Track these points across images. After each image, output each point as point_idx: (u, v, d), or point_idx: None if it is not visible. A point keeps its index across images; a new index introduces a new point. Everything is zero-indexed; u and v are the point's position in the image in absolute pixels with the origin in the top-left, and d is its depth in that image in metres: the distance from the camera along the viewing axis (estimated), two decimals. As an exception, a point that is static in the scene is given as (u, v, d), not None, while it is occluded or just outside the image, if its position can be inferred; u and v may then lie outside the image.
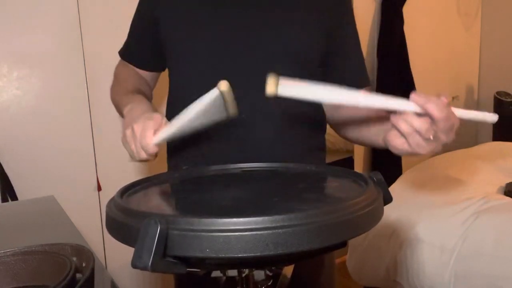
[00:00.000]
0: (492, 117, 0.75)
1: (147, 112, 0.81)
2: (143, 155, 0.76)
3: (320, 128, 1.02)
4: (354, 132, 0.96)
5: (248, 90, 0.91)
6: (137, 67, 1.07)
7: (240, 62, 0.91)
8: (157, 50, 1.01)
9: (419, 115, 0.67)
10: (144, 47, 1.05)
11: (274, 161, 0.77)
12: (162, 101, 1.27)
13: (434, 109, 0.65)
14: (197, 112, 0.69)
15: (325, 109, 1.02)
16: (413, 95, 0.66)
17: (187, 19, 0.93)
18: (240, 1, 0.92)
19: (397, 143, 0.72)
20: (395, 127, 0.69)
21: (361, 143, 0.98)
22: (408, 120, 0.67)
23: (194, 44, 0.93)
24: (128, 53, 1.08)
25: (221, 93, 0.67)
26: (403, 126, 0.67)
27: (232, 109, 0.68)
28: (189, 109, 0.71)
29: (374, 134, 0.85)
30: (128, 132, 0.77)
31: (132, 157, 0.79)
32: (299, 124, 0.96)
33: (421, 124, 0.66)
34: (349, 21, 1.00)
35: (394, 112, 0.69)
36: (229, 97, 0.67)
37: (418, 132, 0.67)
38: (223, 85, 0.66)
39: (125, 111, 0.87)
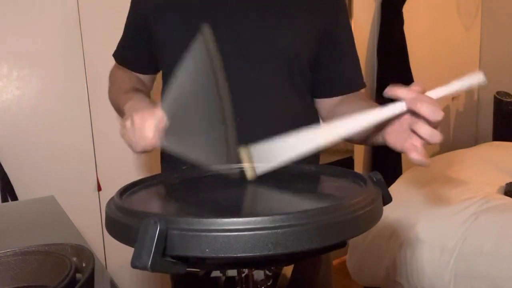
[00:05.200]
0: (476, 78, 0.64)
1: (147, 107, 0.78)
2: (140, 147, 0.74)
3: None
4: (356, 136, 0.93)
5: (240, 92, 0.91)
6: (131, 69, 1.06)
7: (231, 64, 0.91)
8: (150, 52, 1.00)
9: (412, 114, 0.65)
10: (137, 49, 1.04)
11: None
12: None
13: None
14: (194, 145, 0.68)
15: (322, 115, 1.02)
16: (395, 93, 0.64)
17: (177, 20, 0.93)
18: (232, 3, 0.92)
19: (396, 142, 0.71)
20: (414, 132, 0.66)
21: (363, 144, 0.97)
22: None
23: (184, 45, 0.93)
24: (121, 56, 1.08)
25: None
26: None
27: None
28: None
29: (376, 135, 0.81)
30: (128, 123, 0.75)
31: (131, 148, 0.77)
32: (291, 125, 0.95)
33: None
34: (344, 23, 0.99)
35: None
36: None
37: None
38: None
39: (126, 107, 0.85)
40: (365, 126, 0.66)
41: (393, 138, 0.70)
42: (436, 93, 0.64)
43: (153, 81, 1.10)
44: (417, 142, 0.65)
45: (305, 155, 0.67)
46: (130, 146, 0.77)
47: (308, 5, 0.94)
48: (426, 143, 0.65)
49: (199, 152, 0.67)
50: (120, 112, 0.94)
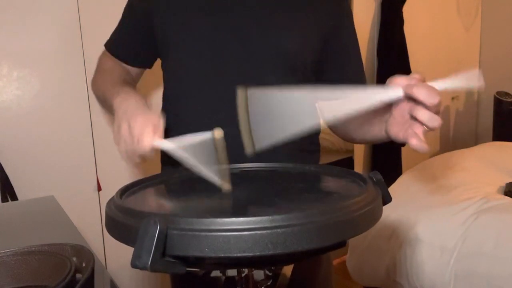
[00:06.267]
0: (474, 78, 0.66)
1: (143, 109, 0.76)
2: (138, 156, 0.72)
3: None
4: (357, 132, 0.93)
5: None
6: (123, 62, 1.05)
7: (232, 65, 0.91)
8: (146, 46, 1.00)
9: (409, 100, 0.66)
10: (133, 42, 1.04)
11: (268, 162, 0.77)
12: (152, 92, 1.31)
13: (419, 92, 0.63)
14: (191, 148, 0.67)
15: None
16: (394, 81, 0.65)
17: (181, 20, 0.93)
18: (235, 3, 0.92)
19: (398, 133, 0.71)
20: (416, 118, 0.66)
21: (364, 141, 0.97)
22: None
23: (187, 45, 0.93)
24: (115, 47, 1.07)
25: (214, 140, 0.65)
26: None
27: (221, 159, 0.67)
28: (185, 140, 0.68)
29: (378, 129, 0.81)
30: (124, 129, 0.73)
31: (127, 157, 0.74)
32: None
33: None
34: (348, 25, 0.98)
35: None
36: (220, 146, 0.66)
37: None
38: (217, 133, 0.65)
39: (116, 102, 0.82)
40: (363, 108, 0.65)
41: (395, 128, 0.71)
42: (435, 84, 0.65)
43: (141, 74, 1.10)
44: (418, 129, 0.66)
45: (303, 127, 0.66)
46: (126, 153, 0.74)
47: (312, 6, 0.94)
48: (427, 129, 0.66)
49: (198, 157, 0.66)
50: (106, 103, 0.91)
